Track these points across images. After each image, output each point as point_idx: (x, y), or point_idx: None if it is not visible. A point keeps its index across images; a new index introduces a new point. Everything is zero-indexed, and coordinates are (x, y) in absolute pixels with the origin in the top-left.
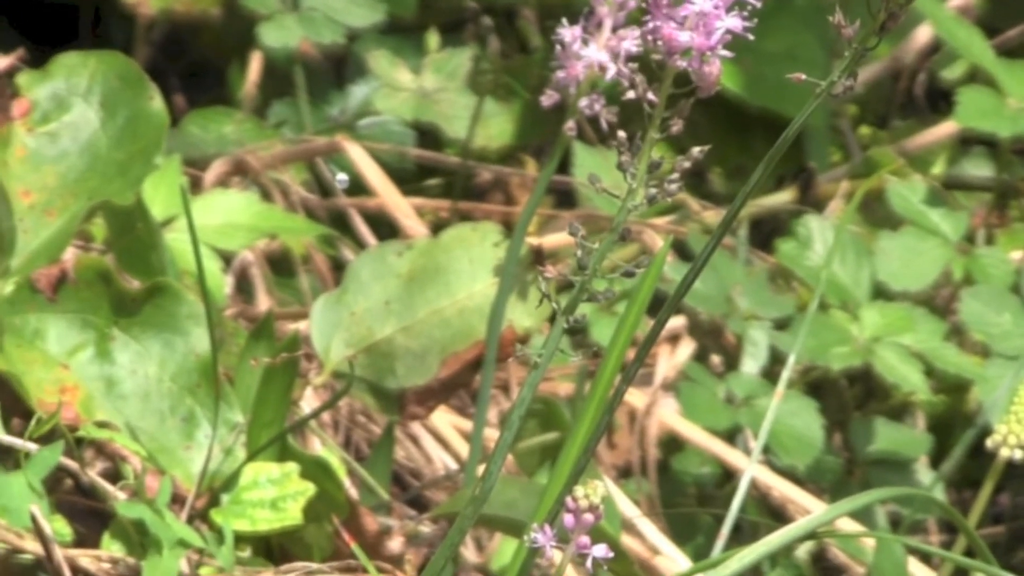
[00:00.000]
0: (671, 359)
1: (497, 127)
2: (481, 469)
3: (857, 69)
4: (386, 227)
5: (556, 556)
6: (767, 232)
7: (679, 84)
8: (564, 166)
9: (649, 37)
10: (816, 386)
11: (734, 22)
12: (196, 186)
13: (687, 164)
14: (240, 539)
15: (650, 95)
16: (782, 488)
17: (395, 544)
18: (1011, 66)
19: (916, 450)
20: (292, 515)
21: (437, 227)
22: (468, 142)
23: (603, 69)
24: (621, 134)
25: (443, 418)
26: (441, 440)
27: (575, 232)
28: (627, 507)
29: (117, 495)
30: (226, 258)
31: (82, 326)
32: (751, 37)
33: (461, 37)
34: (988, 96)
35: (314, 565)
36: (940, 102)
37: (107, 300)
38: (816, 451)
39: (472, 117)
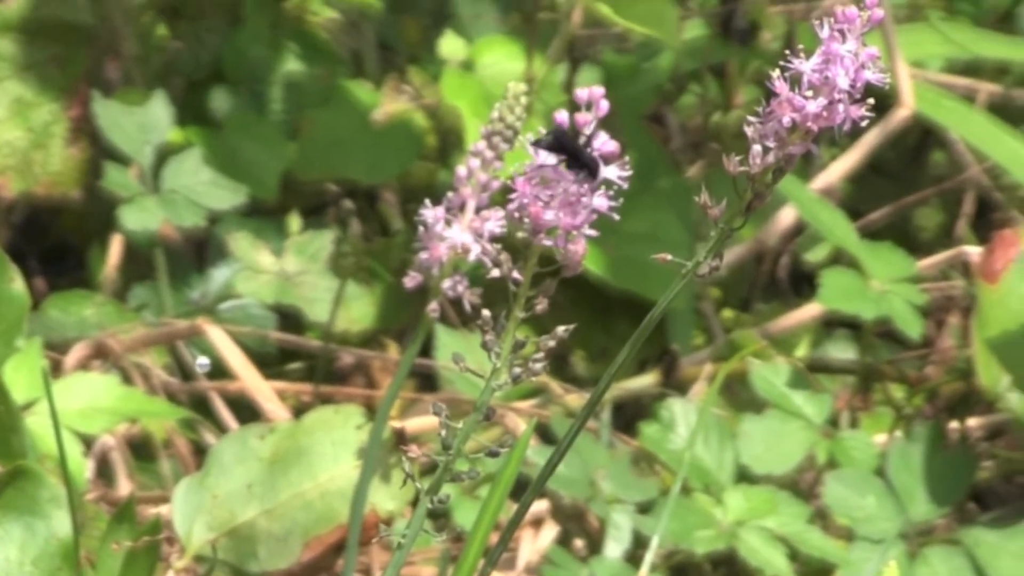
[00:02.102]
0: (534, 543)
1: (359, 310)
2: None
3: (722, 250)
4: (247, 410)
5: None
6: (630, 415)
7: (544, 263)
8: (427, 349)
9: (515, 215)
10: (680, 570)
11: (600, 201)
12: (57, 369)
13: (552, 343)
14: None
15: (515, 274)
16: None
17: None
18: (874, 248)
19: None
20: None
21: (299, 410)
22: (330, 325)
23: (466, 250)
24: (486, 313)
25: None
26: None
27: (439, 412)
28: None
29: None
30: (87, 441)
31: None
32: (616, 217)
33: (322, 220)
34: (851, 278)
35: None
36: (803, 285)
37: None
38: None
39: (334, 300)
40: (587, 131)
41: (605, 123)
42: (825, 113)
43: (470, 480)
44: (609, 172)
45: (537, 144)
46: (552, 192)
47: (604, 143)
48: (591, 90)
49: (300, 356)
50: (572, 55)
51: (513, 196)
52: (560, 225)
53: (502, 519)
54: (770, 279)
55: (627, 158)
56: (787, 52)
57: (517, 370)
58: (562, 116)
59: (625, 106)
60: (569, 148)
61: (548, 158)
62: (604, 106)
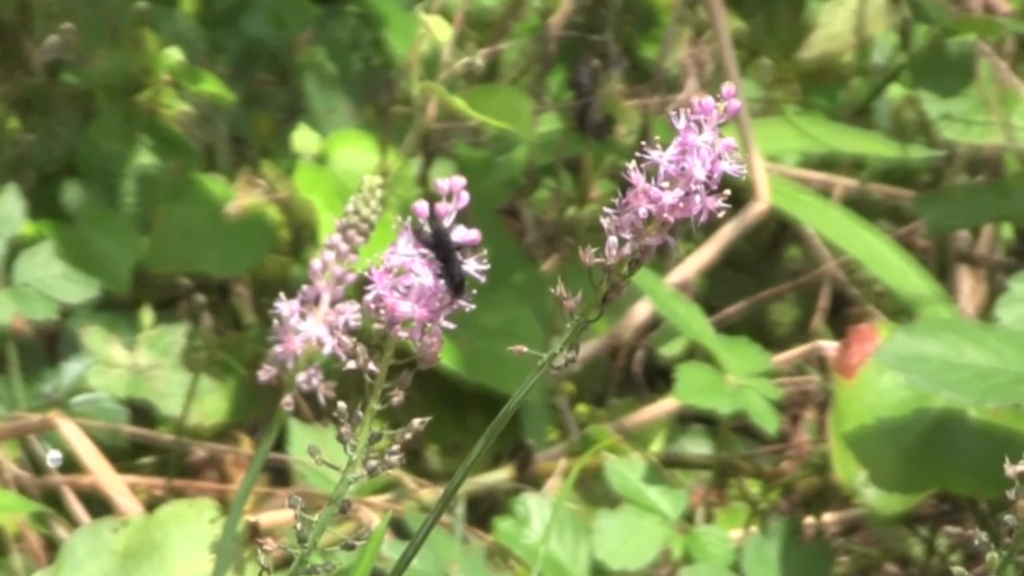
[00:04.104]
0: None
1: (212, 404)
2: None
3: (578, 343)
4: (100, 505)
5: None
6: (484, 509)
7: (400, 356)
8: (280, 443)
9: (372, 306)
10: None
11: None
12: None
13: (408, 436)
14: None
15: (371, 366)
16: None
17: None
18: (730, 343)
19: None
20: None
21: (151, 505)
22: (182, 419)
23: (321, 343)
24: (341, 405)
25: None
26: None
27: (295, 504)
28: None
29: None
30: None
31: None
32: (472, 307)
33: (175, 313)
34: (707, 373)
35: None
36: (658, 379)
37: None
38: None
39: (186, 394)
40: (447, 223)
41: (461, 216)
42: (682, 204)
43: (325, 574)
44: (469, 266)
45: (418, 236)
46: (409, 284)
47: (464, 234)
48: (452, 180)
49: (152, 450)
50: (426, 149)
51: (370, 288)
52: (416, 317)
53: None
54: (625, 374)
55: (484, 252)
56: (643, 144)
57: (373, 463)
58: (422, 207)
59: (480, 200)
60: (444, 247)
61: (409, 250)
62: (464, 197)
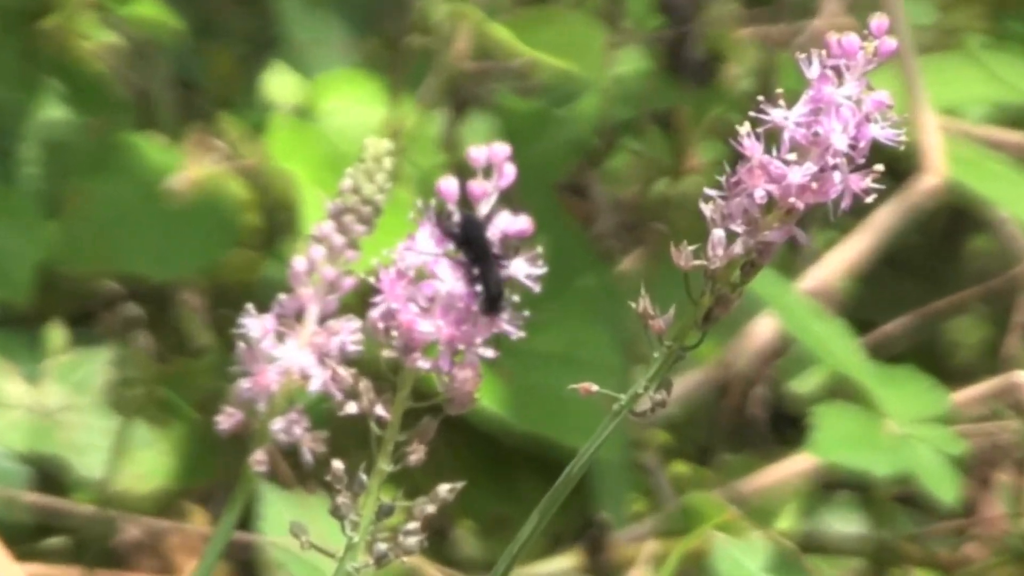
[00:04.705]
0: None
1: (149, 462)
2: None
3: (670, 378)
4: None
5: None
6: None
7: (420, 396)
8: (248, 518)
9: (379, 324)
10: None
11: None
12: None
13: (430, 509)
14: None
15: (379, 410)
16: None
17: None
18: (890, 375)
19: None
20: None
21: None
22: (107, 484)
23: (306, 376)
24: (337, 465)
25: None
26: None
27: None
28: None
29: None
30: None
31: None
32: (518, 332)
33: (96, 332)
34: (857, 418)
35: None
36: (787, 427)
37: None
38: None
39: (113, 448)
40: (484, 207)
41: (504, 197)
42: (815, 184)
43: None
44: (515, 269)
45: (444, 226)
46: (432, 293)
47: (508, 223)
48: (492, 148)
49: (64, 528)
50: (455, 98)
51: (377, 299)
52: (442, 340)
53: None
54: (740, 419)
55: (537, 248)
56: (761, 97)
57: (382, 547)
58: (450, 184)
59: (532, 172)
60: (480, 242)
61: (432, 245)
62: (510, 170)
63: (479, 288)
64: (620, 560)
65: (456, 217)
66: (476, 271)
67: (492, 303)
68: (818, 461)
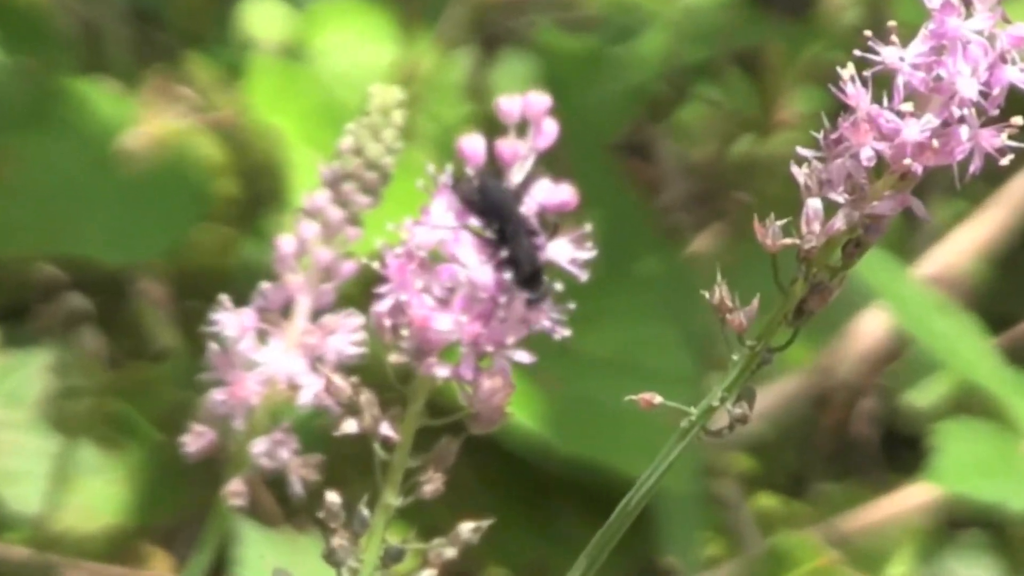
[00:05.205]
0: None
1: (98, 493)
2: None
3: (753, 388)
4: None
5: None
6: None
7: (436, 410)
8: (222, 562)
9: (386, 321)
10: None
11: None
12: None
13: (450, 552)
14: None
15: (385, 428)
16: None
17: None
18: None
19: None
20: None
21: None
22: (45, 520)
23: (295, 385)
24: (332, 498)
25: None
26: None
27: None
28: None
29: None
30: None
31: None
32: (564, 329)
33: (32, 329)
34: (989, 439)
35: None
36: (902, 450)
37: None
38: None
39: (53, 475)
40: (518, 173)
41: (544, 160)
42: (936, 142)
43: None
44: (557, 252)
45: (467, 197)
46: (451, 281)
47: (549, 193)
48: (528, 98)
49: None
50: (483, 34)
51: (383, 289)
52: (464, 340)
53: None
54: (842, 440)
55: (586, 225)
56: (869, 32)
57: None
58: (474, 145)
59: (580, 127)
60: (511, 216)
61: (452, 220)
62: (550, 127)
63: (515, 270)
64: None
65: (483, 183)
66: (511, 251)
67: (526, 285)
68: (941, 492)
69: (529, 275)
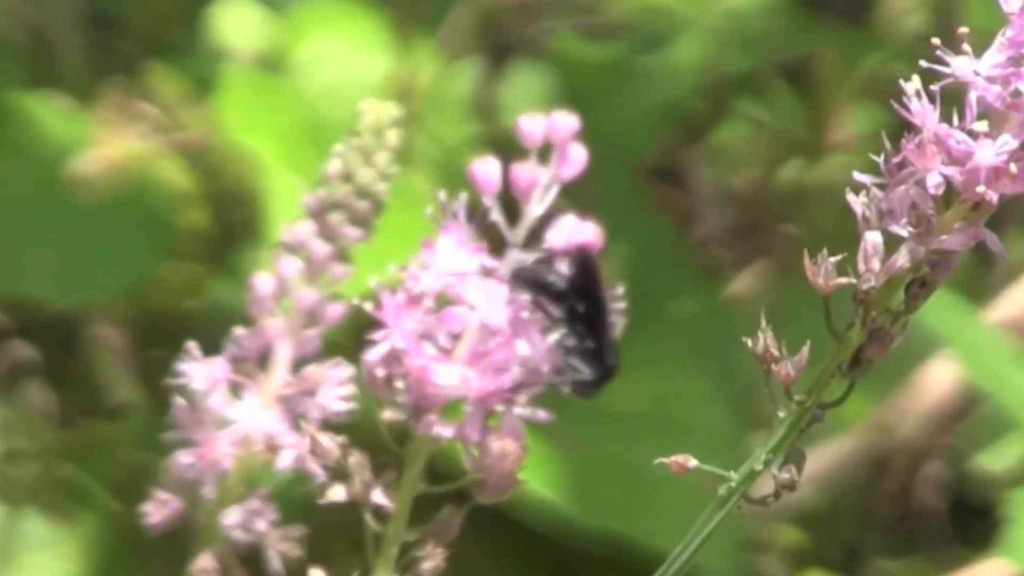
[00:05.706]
0: None
1: (46, 570)
2: None
3: (803, 449)
4: None
5: None
6: None
7: (438, 476)
8: None
9: (380, 372)
10: None
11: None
12: None
13: None
14: None
15: (378, 496)
16: None
17: None
18: None
19: None
20: None
21: None
22: None
23: (274, 447)
24: (317, 575)
25: None
26: None
27: None
28: None
29: None
30: None
31: None
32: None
33: None
34: None
35: None
36: (972, 521)
37: None
38: None
39: None
40: (535, 208)
41: (568, 191)
42: (1014, 167)
43: None
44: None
45: (534, 270)
46: (455, 327)
47: (573, 231)
48: (552, 118)
49: None
50: (491, 41)
51: (377, 335)
52: (471, 396)
53: None
54: (904, 509)
55: (613, 261)
56: (937, 39)
57: None
58: (485, 170)
59: (605, 148)
60: (592, 297)
61: (459, 257)
62: (578, 156)
63: (583, 361)
64: None
65: (494, 214)
66: (589, 339)
67: (605, 378)
68: (1016, 569)
69: (611, 372)
